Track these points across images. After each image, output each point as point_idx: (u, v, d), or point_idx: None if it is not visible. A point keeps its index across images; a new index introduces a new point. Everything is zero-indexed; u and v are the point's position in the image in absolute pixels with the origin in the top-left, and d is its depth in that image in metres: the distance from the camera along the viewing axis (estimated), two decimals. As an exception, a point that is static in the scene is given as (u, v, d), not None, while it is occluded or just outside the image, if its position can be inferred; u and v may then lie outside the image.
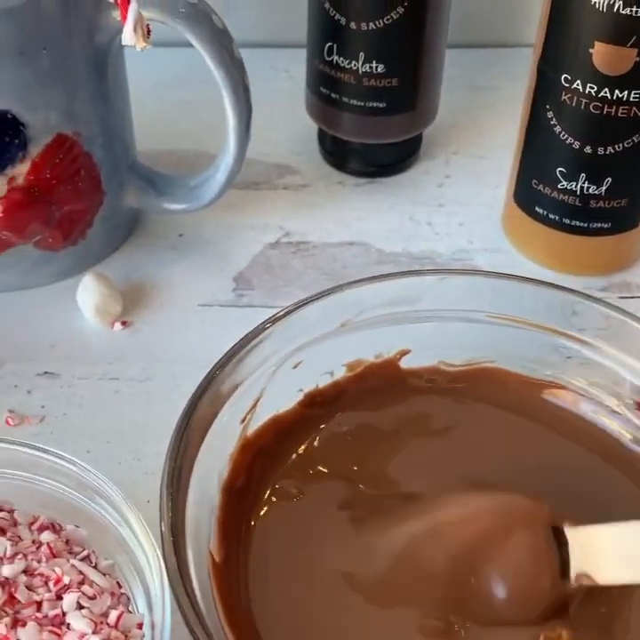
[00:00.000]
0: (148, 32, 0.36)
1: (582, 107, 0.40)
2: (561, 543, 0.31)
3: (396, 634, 0.30)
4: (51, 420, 0.39)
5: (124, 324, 0.43)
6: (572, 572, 0.30)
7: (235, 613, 0.29)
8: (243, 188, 0.50)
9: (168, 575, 0.27)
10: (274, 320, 0.34)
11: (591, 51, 0.39)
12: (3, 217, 0.40)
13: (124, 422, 0.39)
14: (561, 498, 0.32)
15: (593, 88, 0.39)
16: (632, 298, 0.45)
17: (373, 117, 0.48)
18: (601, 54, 0.38)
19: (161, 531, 0.28)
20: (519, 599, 0.30)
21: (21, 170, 0.39)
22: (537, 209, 0.44)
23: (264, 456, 0.34)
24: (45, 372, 0.41)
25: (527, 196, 0.45)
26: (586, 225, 0.44)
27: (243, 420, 0.34)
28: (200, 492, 0.31)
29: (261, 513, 0.33)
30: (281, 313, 0.34)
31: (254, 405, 0.34)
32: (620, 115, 0.40)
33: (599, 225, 0.44)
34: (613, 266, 0.46)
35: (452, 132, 0.55)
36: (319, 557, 0.32)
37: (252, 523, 0.33)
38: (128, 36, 0.35)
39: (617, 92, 0.39)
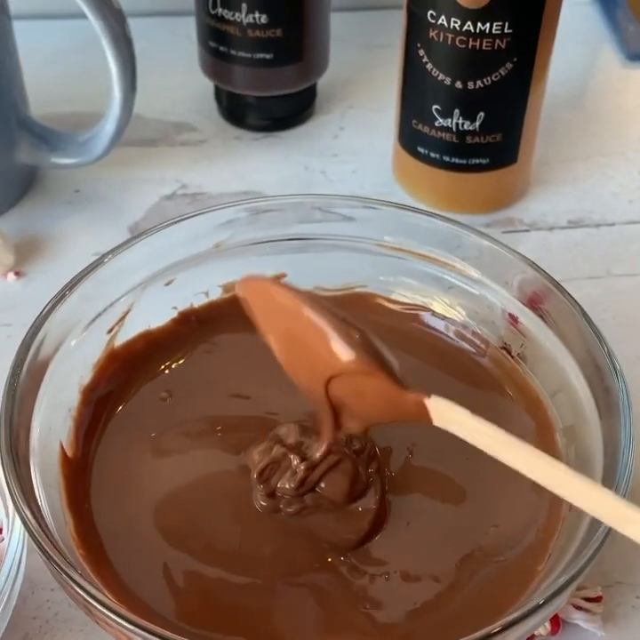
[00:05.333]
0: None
1: (448, 42, 0.41)
2: None
3: None
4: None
5: (17, 274, 0.44)
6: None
7: (77, 503, 0.31)
8: (140, 145, 0.51)
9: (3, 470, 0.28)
10: (140, 236, 0.35)
11: (452, -15, 0.40)
12: None
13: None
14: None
15: (456, 22, 0.41)
16: (514, 232, 0.47)
17: (262, 69, 0.49)
18: (461, -12, 0.40)
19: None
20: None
21: None
22: (419, 149, 0.46)
23: (130, 366, 0.35)
24: (-63, 320, 0.42)
25: (410, 137, 0.46)
26: (465, 162, 0.45)
27: (110, 331, 0.35)
28: (55, 397, 0.32)
29: (117, 412, 0.34)
30: (150, 231, 0.35)
31: (122, 318, 0.36)
32: (484, 48, 0.41)
33: (478, 161, 0.45)
34: (496, 203, 0.48)
35: (348, 88, 0.56)
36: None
37: (108, 423, 0.34)
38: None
39: (479, 24, 0.40)
